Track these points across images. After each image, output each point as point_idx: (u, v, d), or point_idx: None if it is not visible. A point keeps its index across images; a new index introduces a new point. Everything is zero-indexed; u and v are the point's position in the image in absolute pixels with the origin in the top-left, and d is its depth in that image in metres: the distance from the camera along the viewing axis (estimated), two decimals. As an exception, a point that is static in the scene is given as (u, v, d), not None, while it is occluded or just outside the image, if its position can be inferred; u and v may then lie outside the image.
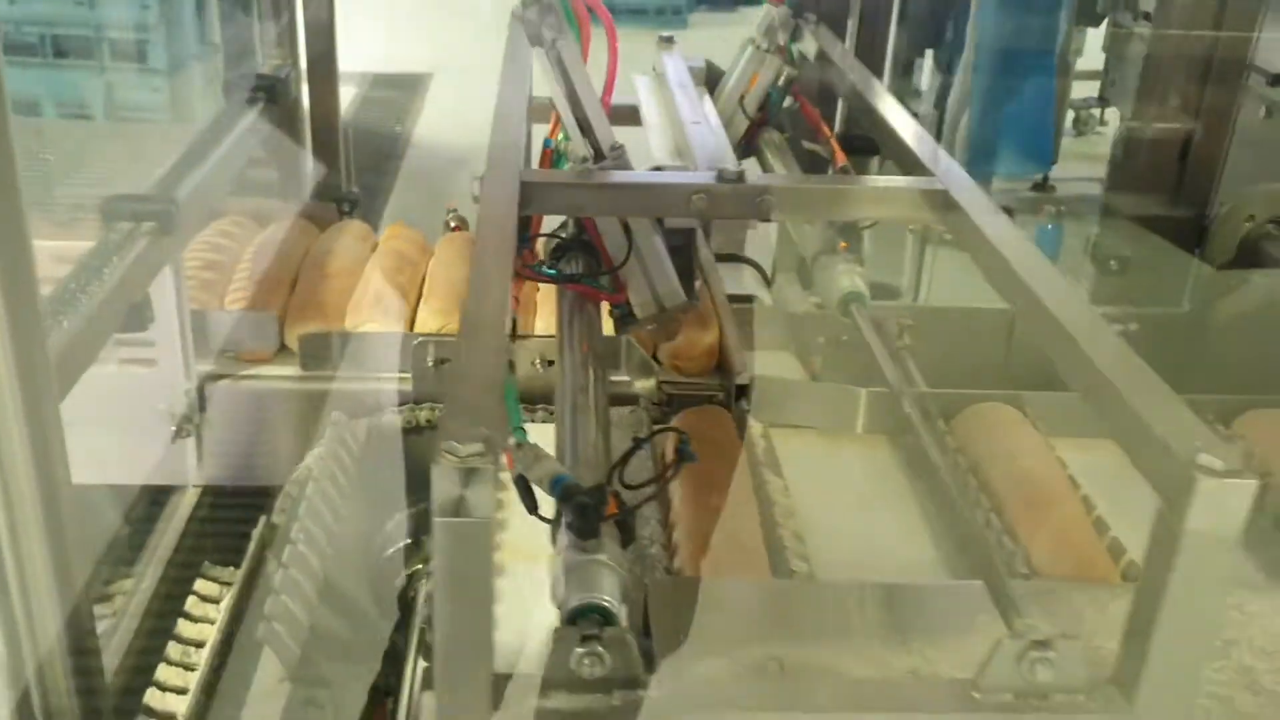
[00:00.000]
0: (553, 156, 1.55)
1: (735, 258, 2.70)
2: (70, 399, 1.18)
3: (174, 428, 1.76)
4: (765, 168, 2.37)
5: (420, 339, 1.81)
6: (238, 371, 1.86)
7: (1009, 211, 1.40)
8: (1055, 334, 1.12)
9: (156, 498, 1.82)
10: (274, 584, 1.44)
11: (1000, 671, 0.94)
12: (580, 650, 0.92)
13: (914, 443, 1.60)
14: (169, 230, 1.58)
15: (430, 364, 1.80)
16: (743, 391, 1.81)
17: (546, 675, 0.93)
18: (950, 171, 1.50)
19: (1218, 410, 1.76)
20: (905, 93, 4.37)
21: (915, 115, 1.23)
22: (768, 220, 1.45)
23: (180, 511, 1.81)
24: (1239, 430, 1.74)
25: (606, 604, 0.94)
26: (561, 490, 0.97)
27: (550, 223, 1.53)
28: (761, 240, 2.19)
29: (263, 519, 1.67)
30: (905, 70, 4.65)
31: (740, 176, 1.44)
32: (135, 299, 1.48)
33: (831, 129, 2.17)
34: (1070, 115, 4.49)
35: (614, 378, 1.88)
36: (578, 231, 1.58)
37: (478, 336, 1.02)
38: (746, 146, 2.04)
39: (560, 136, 1.54)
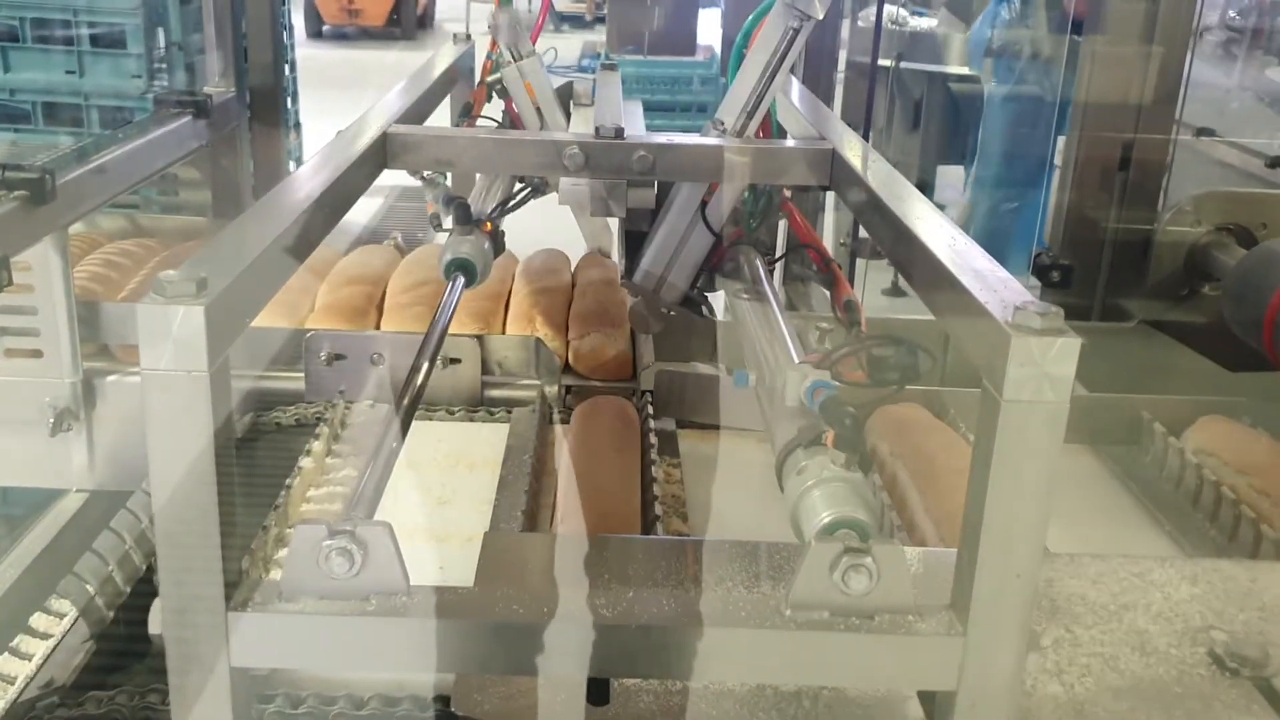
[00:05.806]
0: (490, 67, 1.68)
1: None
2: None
3: (52, 420, 1.67)
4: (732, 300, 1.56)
5: (312, 332, 1.72)
6: (126, 367, 1.77)
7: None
8: (918, 254, 1.02)
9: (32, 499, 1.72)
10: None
11: (813, 582, 0.83)
12: (330, 543, 0.82)
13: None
14: (41, 200, 1.52)
15: (323, 359, 1.71)
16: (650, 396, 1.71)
17: (289, 576, 0.83)
18: (844, 135, 1.43)
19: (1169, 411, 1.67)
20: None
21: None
22: (649, 176, 1.37)
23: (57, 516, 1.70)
24: (1192, 436, 1.63)
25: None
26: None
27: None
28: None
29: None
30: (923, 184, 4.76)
31: (618, 133, 1.38)
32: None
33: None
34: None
35: (521, 380, 1.78)
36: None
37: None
38: (710, 271, 1.50)
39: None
